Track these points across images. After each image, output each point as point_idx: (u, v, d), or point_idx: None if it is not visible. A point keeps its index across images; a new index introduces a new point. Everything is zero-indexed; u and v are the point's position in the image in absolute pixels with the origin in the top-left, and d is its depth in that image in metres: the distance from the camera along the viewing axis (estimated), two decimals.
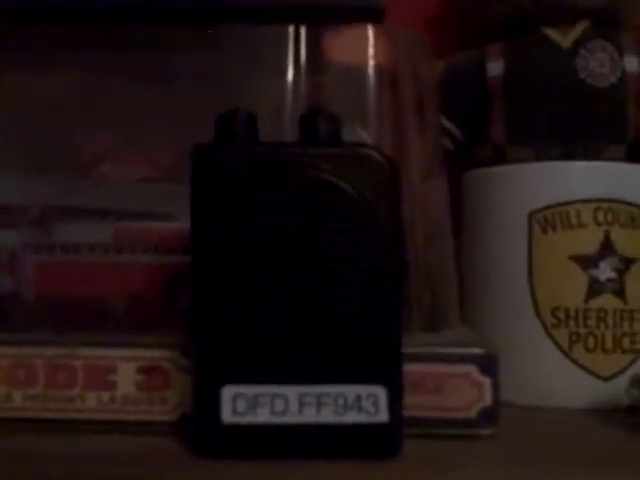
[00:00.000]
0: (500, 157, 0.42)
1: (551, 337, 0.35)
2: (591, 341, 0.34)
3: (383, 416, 0.25)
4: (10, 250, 0.32)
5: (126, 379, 0.28)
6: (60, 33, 0.33)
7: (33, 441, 0.27)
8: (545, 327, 0.35)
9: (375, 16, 0.33)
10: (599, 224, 0.35)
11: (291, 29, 0.33)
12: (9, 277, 0.32)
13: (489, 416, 0.28)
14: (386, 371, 0.25)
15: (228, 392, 0.25)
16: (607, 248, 0.35)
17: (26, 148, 0.34)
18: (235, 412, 0.25)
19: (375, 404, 0.25)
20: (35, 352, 0.28)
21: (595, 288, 0.34)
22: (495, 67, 0.44)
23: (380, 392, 0.25)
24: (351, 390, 0.25)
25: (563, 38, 0.43)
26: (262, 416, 0.25)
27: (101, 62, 0.33)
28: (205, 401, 0.25)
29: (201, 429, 0.25)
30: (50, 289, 0.32)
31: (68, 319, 0.31)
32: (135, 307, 0.32)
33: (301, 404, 0.25)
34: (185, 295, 0.26)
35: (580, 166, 0.37)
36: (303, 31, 0.33)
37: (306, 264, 0.25)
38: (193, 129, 0.27)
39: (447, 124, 0.45)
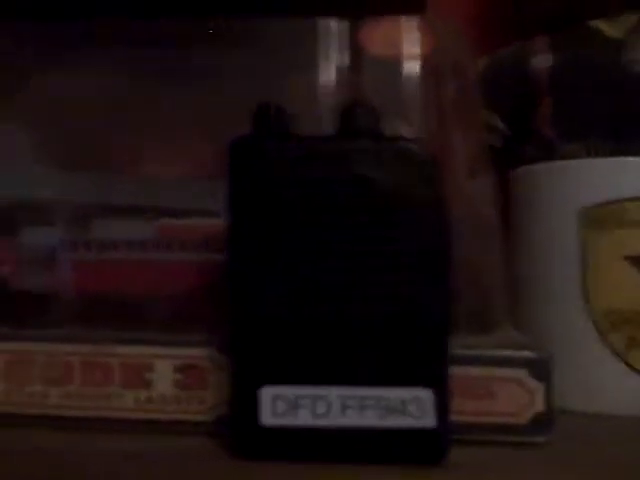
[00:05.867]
0: (549, 153, 0.41)
1: (606, 341, 0.33)
2: None
3: (429, 420, 0.24)
4: (49, 247, 0.32)
5: (163, 378, 0.27)
6: (96, 32, 0.33)
7: (69, 439, 0.26)
8: (600, 331, 0.33)
9: (415, 7, 0.32)
10: None
11: (329, 23, 0.32)
12: (47, 274, 0.32)
13: (542, 423, 0.26)
14: (433, 374, 0.24)
15: (267, 393, 0.24)
16: None
17: (67, 145, 0.34)
18: (275, 413, 0.24)
19: (421, 408, 0.24)
20: (71, 349, 0.27)
21: None
22: (541, 61, 0.43)
23: (426, 395, 0.24)
24: (395, 393, 0.24)
25: (611, 29, 0.42)
26: (303, 418, 0.24)
27: (139, 61, 0.33)
28: (243, 402, 0.24)
29: (239, 430, 0.24)
30: (89, 287, 0.32)
31: (106, 317, 0.31)
32: (175, 305, 0.31)
33: (343, 406, 0.24)
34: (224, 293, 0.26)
35: (632, 162, 0.35)
36: (341, 25, 0.32)
37: (346, 262, 0.24)
38: (233, 126, 0.27)
39: (493, 120, 0.44)
